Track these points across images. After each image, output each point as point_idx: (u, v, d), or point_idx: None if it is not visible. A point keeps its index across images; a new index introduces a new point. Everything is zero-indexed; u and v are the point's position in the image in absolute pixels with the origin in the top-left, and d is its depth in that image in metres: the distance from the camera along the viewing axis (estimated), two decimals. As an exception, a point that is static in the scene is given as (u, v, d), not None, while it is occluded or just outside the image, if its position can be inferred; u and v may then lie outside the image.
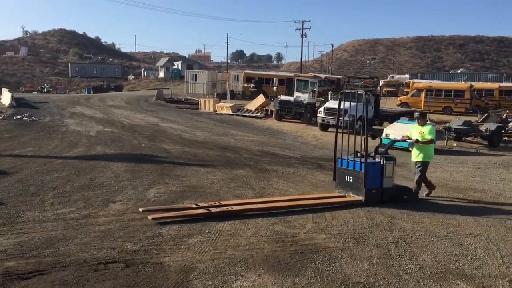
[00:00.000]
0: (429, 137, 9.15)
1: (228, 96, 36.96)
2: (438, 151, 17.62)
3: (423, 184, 9.43)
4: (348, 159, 8.86)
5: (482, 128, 20.43)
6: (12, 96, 28.84)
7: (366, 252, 6.14)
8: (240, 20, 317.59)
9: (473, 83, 41.40)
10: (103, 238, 6.26)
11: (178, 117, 26.03)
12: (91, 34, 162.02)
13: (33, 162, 11.42)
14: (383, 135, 17.54)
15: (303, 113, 25.62)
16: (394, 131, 17.58)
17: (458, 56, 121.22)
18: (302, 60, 78.13)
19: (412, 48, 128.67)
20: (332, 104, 22.99)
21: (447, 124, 21.47)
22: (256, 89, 39.74)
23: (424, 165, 9.25)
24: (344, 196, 8.86)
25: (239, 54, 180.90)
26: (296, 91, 26.68)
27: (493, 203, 9.45)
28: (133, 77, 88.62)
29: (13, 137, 15.77)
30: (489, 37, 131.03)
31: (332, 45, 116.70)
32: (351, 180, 8.78)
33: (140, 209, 7.53)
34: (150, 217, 7.09)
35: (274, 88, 35.35)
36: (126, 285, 4.92)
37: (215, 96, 38.33)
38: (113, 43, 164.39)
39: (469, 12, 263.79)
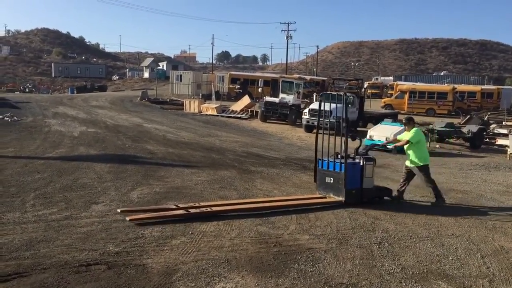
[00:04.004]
0: (405, 137, 9.25)
1: (213, 97, 36.88)
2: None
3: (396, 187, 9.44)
4: (328, 160, 8.88)
5: (464, 130, 20.72)
6: (-7, 96, 28.40)
7: (349, 253, 6.16)
8: (226, 21, 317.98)
9: (455, 86, 41.98)
10: (84, 239, 6.19)
11: (163, 118, 25.89)
12: (75, 34, 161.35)
13: (14, 162, 11.25)
14: (367, 137, 17.70)
15: (288, 115, 25.70)
16: (378, 132, 17.74)
17: (441, 58, 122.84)
18: (288, 61, 78.33)
19: (396, 51, 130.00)
20: (317, 105, 23.09)
21: (430, 126, 21.71)
22: (241, 90, 39.70)
23: (425, 169, 9.20)
24: (325, 197, 8.88)
25: (224, 55, 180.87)
26: (281, 92, 26.74)
27: (474, 204, 9.58)
28: (117, 77, 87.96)
29: (-6, 138, 15.50)
30: (472, 40, 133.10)
31: (317, 46, 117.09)
32: (331, 181, 8.82)
33: (119, 210, 7.48)
34: (128, 218, 7.04)
35: (259, 89, 35.28)
36: (107, 287, 4.87)
37: (200, 97, 38.22)
38: (97, 43, 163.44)
39: (453, 15, 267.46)
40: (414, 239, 6.89)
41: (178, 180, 10.27)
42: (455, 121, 25.63)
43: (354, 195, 8.61)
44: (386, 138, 11.01)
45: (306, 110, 23.13)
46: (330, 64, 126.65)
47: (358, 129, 23.91)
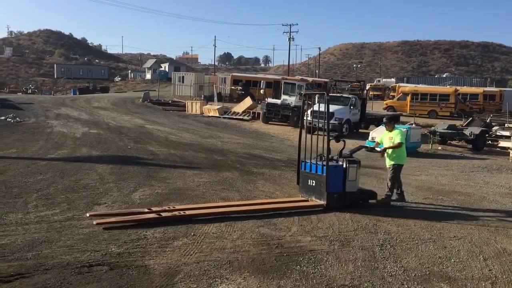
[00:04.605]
0: (397, 140, 9.04)
1: (215, 98, 36.92)
2: (423, 155, 17.82)
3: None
4: (311, 162, 8.67)
5: (467, 132, 20.67)
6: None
7: (351, 255, 6.16)
8: (228, 22, 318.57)
9: (458, 88, 41.95)
10: (87, 240, 6.20)
11: (165, 119, 25.92)
12: (77, 35, 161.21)
13: (16, 163, 11.27)
14: (369, 138, 17.69)
15: (290, 116, 25.69)
16: (379, 134, 17.70)
17: (444, 60, 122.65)
18: (290, 63, 78.35)
19: (398, 52, 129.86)
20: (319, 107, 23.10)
21: (432, 128, 21.68)
22: (243, 92, 39.75)
23: (396, 168, 9.13)
24: (307, 201, 8.64)
25: (226, 57, 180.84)
26: (283, 94, 26.73)
27: (476, 206, 9.56)
28: (119, 78, 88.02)
29: (-4, 138, 15.53)
30: (474, 42, 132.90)
31: (319, 48, 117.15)
32: (313, 184, 8.57)
33: (87, 214, 7.22)
34: (95, 222, 6.79)
35: (261, 91, 35.35)
36: (109, 288, 4.87)
37: (202, 98, 38.26)
38: (99, 44, 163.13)
39: (455, 17, 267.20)
40: (416, 241, 6.89)
41: (180, 182, 10.27)
42: (457, 123, 25.60)
43: (336, 198, 8.35)
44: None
45: (308, 112, 23.11)
46: (332, 65, 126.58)
47: (360, 130, 23.96)
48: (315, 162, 8.60)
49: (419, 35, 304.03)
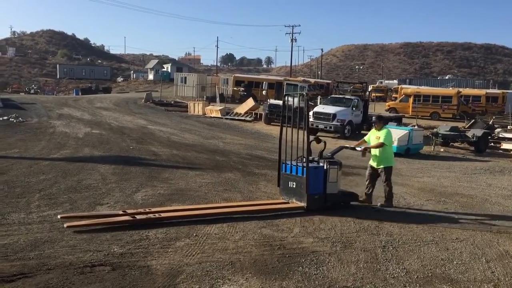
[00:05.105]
0: (381, 140, 8.86)
1: (218, 99, 36.92)
2: (425, 156, 17.80)
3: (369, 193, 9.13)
4: (291, 164, 8.53)
5: (469, 134, 20.63)
6: (-2, 97, 28.49)
7: (353, 256, 6.16)
8: (230, 23, 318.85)
9: (460, 89, 41.88)
10: (89, 240, 6.20)
11: (167, 120, 25.94)
12: (80, 36, 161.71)
13: (19, 163, 11.29)
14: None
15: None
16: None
17: (446, 62, 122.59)
18: (292, 64, 78.47)
19: (400, 54, 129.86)
20: (321, 108, 23.13)
21: (435, 130, 21.66)
22: (245, 93, 39.72)
23: (387, 171, 8.98)
24: (288, 203, 8.51)
25: (229, 58, 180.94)
26: (285, 95, 26.70)
27: (479, 208, 9.55)
28: (122, 79, 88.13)
29: (-1, 138, 15.57)
30: (477, 44, 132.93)
31: (321, 49, 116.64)
32: (294, 186, 8.43)
33: (59, 216, 6.99)
34: (65, 225, 6.61)
35: (264, 92, 35.33)
36: (112, 289, 4.87)
37: (204, 99, 38.27)
38: (102, 44, 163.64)
39: (457, 19, 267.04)
40: (419, 243, 6.88)
41: (182, 182, 10.28)
42: (460, 125, 25.57)
43: (317, 200, 8.23)
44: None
45: (310, 113, 23.11)
46: (335, 67, 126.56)
47: (362, 132, 23.93)
48: (295, 164, 8.48)
49: (422, 36, 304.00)
